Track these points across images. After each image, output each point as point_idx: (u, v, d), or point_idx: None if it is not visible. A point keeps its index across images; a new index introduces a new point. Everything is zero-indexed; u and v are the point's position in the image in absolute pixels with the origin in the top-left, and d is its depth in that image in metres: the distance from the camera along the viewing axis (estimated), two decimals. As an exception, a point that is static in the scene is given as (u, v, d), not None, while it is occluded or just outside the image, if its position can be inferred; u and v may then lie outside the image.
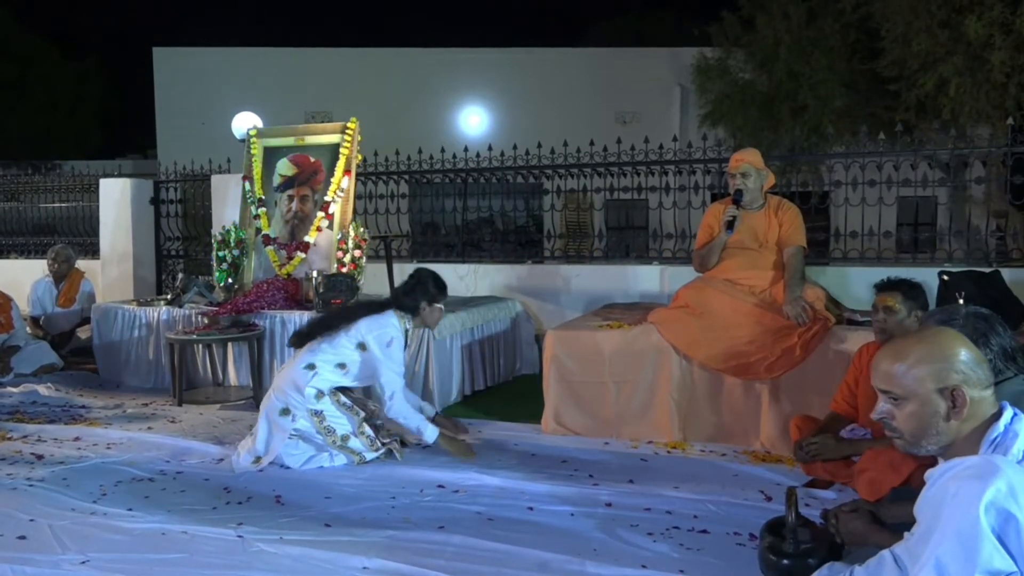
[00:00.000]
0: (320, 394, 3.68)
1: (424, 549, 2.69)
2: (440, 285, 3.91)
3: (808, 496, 3.09)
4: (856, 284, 5.23)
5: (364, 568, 2.56)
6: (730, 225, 3.99)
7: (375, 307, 3.87)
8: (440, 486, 3.34)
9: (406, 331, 3.83)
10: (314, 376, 3.69)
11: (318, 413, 3.67)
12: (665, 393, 4.01)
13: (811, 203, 6.07)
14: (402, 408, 3.69)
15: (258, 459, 3.64)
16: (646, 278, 6.11)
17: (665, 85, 16.90)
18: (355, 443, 3.68)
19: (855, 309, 4.25)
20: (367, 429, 3.72)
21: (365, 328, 3.73)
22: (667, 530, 2.84)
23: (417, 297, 3.84)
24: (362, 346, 3.72)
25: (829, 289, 4.34)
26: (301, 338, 3.88)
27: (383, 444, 3.73)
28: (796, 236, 4.03)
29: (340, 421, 3.68)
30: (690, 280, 4.43)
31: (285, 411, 3.68)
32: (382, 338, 3.71)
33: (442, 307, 3.94)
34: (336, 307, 4.07)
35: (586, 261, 6.76)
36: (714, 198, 5.80)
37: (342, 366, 3.73)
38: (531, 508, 3.08)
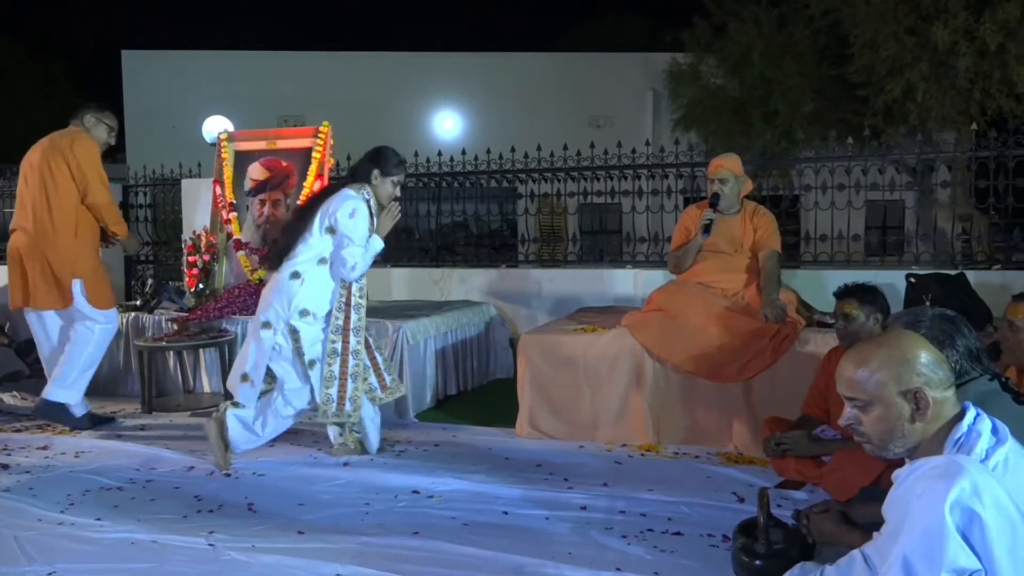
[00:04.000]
0: (305, 312, 3.63)
1: (399, 555, 2.67)
2: (399, 160, 3.85)
3: (780, 497, 3.12)
4: (826, 287, 5.26)
5: (337, 575, 2.54)
6: (707, 228, 4.03)
7: (331, 191, 3.81)
8: (415, 492, 3.33)
9: (367, 201, 3.73)
10: (302, 285, 3.63)
11: (295, 332, 3.63)
12: (639, 396, 4.03)
13: (782, 207, 6.15)
14: (364, 268, 3.71)
15: (245, 376, 3.65)
16: (620, 282, 6.14)
17: (638, 90, 17.04)
18: (316, 373, 3.67)
19: (825, 312, 4.30)
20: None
21: (329, 209, 3.66)
22: (641, 532, 2.86)
23: (371, 166, 3.78)
24: (331, 230, 3.65)
25: (800, 292, 4.40)
26: (279, 257, 3.74)
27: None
28: (771, 241, 4.08)
29: (315, 348, 3.67)
30: (664, 284, 4.48)
31: (266, 324, 3.64)
32: (344, 211, 3.64)
33: (397, 181, 3.85)
34: (296, 209, 3.98)
35: (560, 265, 6.78)
36: (687, 202, 5.84)
37: (324, 260, 3.67)
38: (506, 512, 3.08)
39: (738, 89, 12.61)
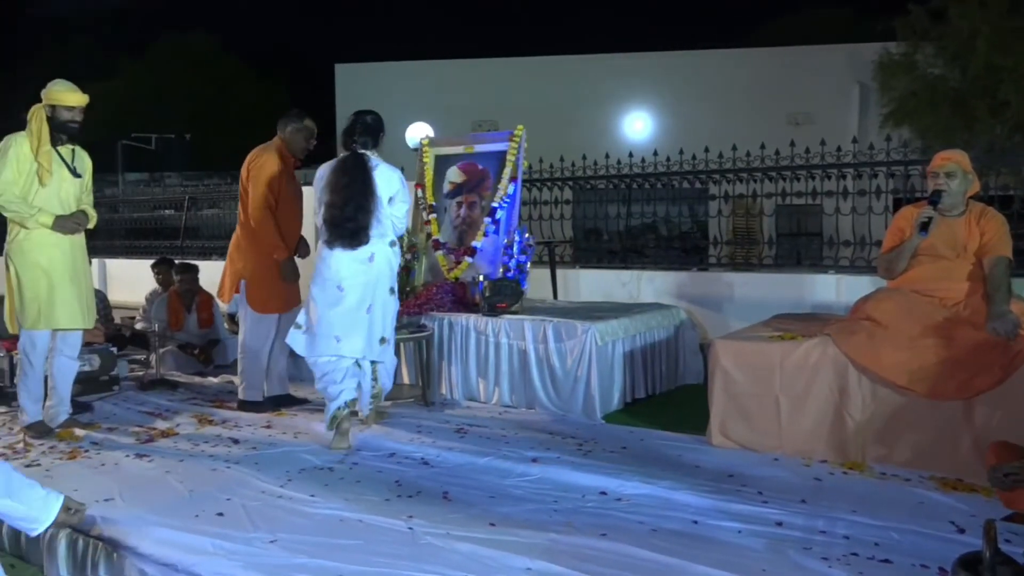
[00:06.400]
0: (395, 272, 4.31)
1: (586, 555, 2.69)
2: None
3: (1008, 531, 2.80)
4: (1067, 298, 4.70)
5: (528, 569, 2.59)
6: (924, 227, 3.70)
7: (361, 164, 4.15)
8: (602, 493, 3.33)
9: None
10: (395, 248, 4.25)
11: (393, 290, 4.26)
12: (842, 410, 3.78)
13: (1013, 209, 5.53)
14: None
15: (384, 339, 4.21)
16: (821, 287, 5.81)
17: (842, 84, 16.00)
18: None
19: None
20: None
21: (385, 183, 4.14)
22: (844, 556, 2.68)
23: (380, 133, 4.29)
24: (391, 199, 4.18)
25: (1035, 304, 3.93)
26: (356, 234, 4.08)
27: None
28: (1000, 246, 3.67)
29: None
30: (870, 291, 4.17)
31: (392, 290, 4.24)
32: (399, 181, 4.21)
33: None
34: (350, 190, 4.13)
35: (754, 269, 6.52)
36: (898, 203, 5.42)
37: (392, 233, 4.25)
38: (696, 522, 3.01)
39: (959, 79, 11.54)
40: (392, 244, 4.21)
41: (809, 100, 15.84)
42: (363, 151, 4.20)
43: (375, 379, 4.32)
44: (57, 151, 4.27)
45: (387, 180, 4.16)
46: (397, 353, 5.41)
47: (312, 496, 3.30)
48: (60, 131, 4.26)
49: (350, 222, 4.07)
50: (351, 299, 4.08)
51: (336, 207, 4.11)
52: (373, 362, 4.26)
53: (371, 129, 4.25)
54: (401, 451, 3.97)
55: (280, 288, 4.81)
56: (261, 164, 4.73)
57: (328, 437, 4.14)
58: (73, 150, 4.38)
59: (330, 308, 4.09)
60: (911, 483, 3.45)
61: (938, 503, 3.20)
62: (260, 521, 3.02)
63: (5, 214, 4.17)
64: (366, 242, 4.08)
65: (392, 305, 4.27)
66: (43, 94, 4.26)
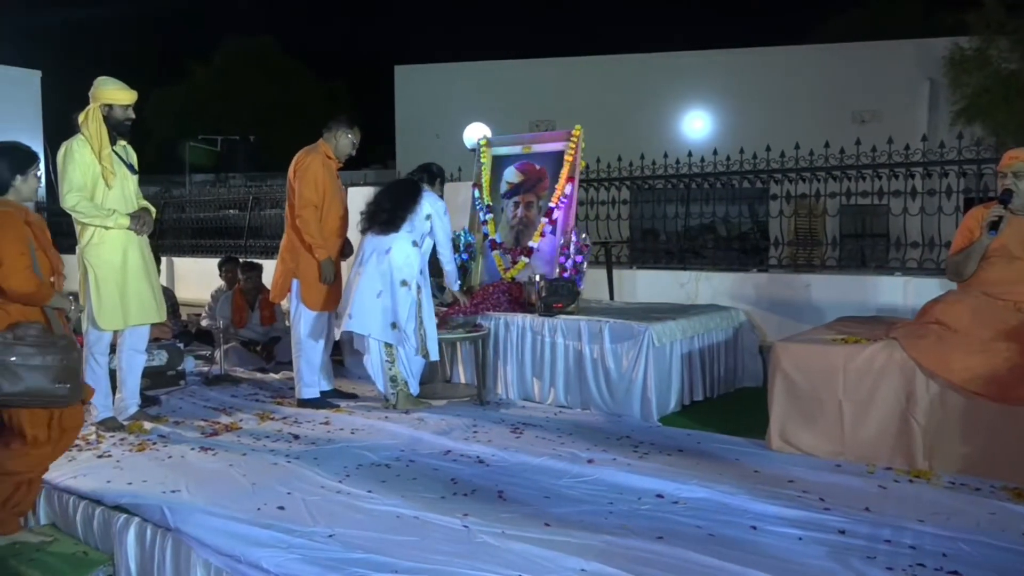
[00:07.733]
0: (422, 271, 4.78)
1: (642, 558, 2.67)
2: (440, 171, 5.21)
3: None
4: None
5: (582, 570, 2.58)
6: (994, 226, 3.58)
7: (415, 187, 4.93)
8: (659, 496, 3.30)
9: None
10: (419, 250, 4.77)
11: (420, 288, 4.74)
12: (908, 416, 3.66)
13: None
14: (451, 267, 5.15)
15: (395, 325, 4.68)
16: (886, 290, 5.64)
17: (911, 80, 15.50)
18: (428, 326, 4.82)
19: None
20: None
21: (428, 203, 4.85)
22: (910, 567, 2.60)
23: (436, 176, 5.11)
24: (428, 216, 4.83)
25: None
26: (390, 222, 4.74)
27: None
28: None
29: (429, 303, 4.82)
30: (939, 294, 4.04)
31: (404, 283, 4.68)
32: (441, 209, 4.92)
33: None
34: (391, 190, 5.04)
35: (817, 270, 6.37)
36: (969, 203, 5.24)
37: (418, 236, 4.82)
38: (754, 528, 2.96)
39: (1037, 74, 11.06)
40: (414, 244, 4.77)
41: (876, 97, 15.38)
42: (417, 179, 5.02)
43: (393, 363, 4.83)
44: (113, 150, 4.33)
45: (431, 201, 4.89)
46: (453, 352, 5.49)
47: (369, 492, 3.35)
48: (116, 130, 4.32)
49: (384, 212, 4.79)
50: (364, 284, 4.69)
51: (375, 202, 4.91)
52: (389, 346, 4.78)
53: (429, 169, 5.10)
54: (456, 449, 4.00)
55: (335, 285, 4.92)
56: (307, 165, 4.82)
57: (385, 432, 4.26)
58: (124, 147, 4.47)
59: (349, 291, 4.77)
60: (981, 492, 3.33)
61: (1011, 513, 3.08)
62: (319, 515, 3.08)
63: (83, 220, 4.23)
64: (396, 230, 4.74)
65: (405, 297, 4.69)
66: (93, 94, 4.28)
